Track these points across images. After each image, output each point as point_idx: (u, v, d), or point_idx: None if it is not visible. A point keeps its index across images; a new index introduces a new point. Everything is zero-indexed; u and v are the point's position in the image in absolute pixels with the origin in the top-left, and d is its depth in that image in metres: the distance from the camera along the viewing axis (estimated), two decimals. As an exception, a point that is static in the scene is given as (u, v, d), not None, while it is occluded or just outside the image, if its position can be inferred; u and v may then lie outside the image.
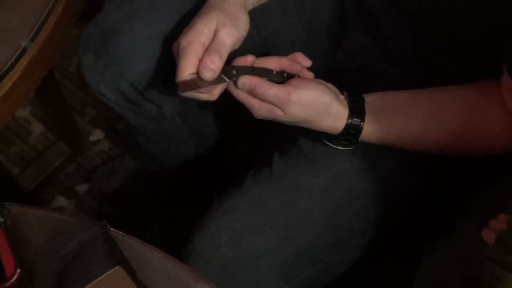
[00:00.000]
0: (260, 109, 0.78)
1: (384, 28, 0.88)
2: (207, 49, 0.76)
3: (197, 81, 0.75)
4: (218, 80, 0.76)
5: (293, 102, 0.77)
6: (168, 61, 0.87)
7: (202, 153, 1.21)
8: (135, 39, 0.88)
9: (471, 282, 0.67)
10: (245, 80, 0.77)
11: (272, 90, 0.76)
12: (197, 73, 0.76)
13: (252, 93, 0.77)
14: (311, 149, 0.87)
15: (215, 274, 0.82)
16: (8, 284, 0.64)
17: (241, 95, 0.79)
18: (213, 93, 0.79)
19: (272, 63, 0.80)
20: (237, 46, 0.79)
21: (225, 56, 0.76)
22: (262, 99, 0.77)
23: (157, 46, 0.89)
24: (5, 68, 0.82)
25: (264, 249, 0.83)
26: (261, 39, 0.95)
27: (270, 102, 0.77)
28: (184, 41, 0.76)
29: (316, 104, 0.79)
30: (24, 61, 0.84)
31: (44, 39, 0.86)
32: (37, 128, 1.54)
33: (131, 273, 0.64)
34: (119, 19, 0.89)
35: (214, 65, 0.75)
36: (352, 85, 0.85)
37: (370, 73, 0.93)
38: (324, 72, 0.95)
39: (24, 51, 0.84)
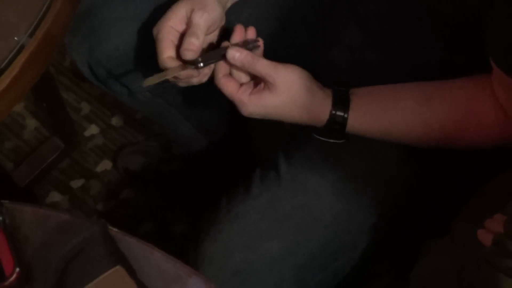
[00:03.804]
0: (249, 102, 0.79)
1: (378, 23, 0.88)
2: (185, 34, 0.80)
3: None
4: (183, 68, 0.80)
5: (278, 75, 0.78)
6: (137, 43, 0.96)
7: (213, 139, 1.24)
8: (104, 18, 0.96)
9: (467, 283, 0.68)
10: (235, 52, 0.78)
11: (262, 61, 0.79)
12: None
13: (243, 64, 0.79)
14: (316, 153, 0.88)
15: (229, 280, 0.83)
16: (7, 283, 0.63)
17: (228, 91, 0.80)
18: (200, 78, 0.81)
19: (237, 37, 0.82)
20: (212, 29, 0.83)
21: (201, 37, 0.80)
22: (251, 70, 0.79)
23: (125, 27, 0.95)
24: (3, 64, 0.82)
25: (277, 254, 0.84)
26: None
27: (257, 72, 0.79)
28: (155, 30, 0.82)
29: (298, 83, 0.80)
30: (22, 57, 0.83)
31: (43, 35, 0.85)
32: (31, 123, 1.53)
33: (132, 272, 0.64)
34: (94, 1, 0.97)
35: (192, 46, 0.79)
36: (348, 81, 0.85)
37: (368, 69, 0.93)
38: (312, 66, 0.95)
39: (22, 48, 0.83)
